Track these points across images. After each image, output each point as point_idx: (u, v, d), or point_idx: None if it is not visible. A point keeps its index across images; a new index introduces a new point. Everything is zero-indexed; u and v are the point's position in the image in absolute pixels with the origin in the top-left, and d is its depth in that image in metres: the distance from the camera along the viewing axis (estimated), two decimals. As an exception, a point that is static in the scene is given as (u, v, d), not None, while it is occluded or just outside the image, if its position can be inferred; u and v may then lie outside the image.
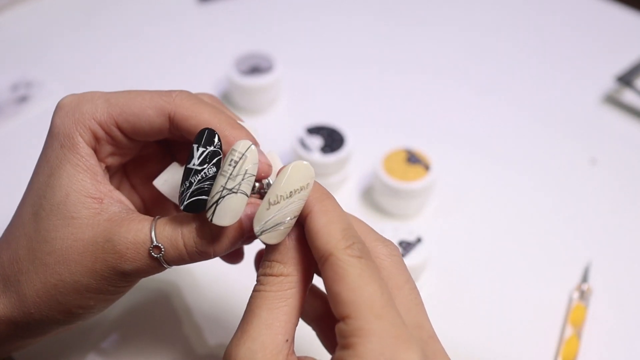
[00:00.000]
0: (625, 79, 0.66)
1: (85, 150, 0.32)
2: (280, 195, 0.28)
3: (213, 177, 0.30)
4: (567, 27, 0.77)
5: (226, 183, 0.29)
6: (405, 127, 0.63)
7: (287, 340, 0.28)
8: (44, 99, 0.64)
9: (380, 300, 0.26)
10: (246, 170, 0.29)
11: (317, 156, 0.53)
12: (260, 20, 0.76)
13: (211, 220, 0.29)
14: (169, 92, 0.33)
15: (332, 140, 0.54)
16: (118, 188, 0.37)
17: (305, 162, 0.29)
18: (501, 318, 0.47)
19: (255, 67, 0.62)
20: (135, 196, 0.38)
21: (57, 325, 0.33)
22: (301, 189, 0.29)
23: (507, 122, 0.64)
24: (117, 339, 0.44)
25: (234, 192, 0.29)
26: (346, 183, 0.56)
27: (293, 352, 0.28)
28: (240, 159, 0.29)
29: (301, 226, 0.30)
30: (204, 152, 0.30)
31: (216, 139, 0.30)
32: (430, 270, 0.50)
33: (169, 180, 0.35)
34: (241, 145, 0.29)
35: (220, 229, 0.31)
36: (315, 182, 0.30)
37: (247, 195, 0.29)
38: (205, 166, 0.30)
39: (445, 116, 0.65)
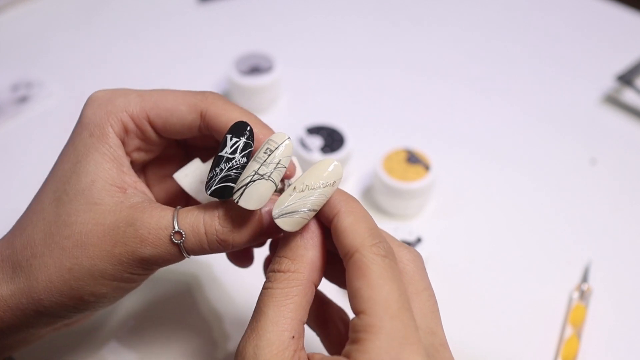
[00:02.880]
0: (625, 78, 0.66)
1: (114, 141, 0.33)
2: (307, 185, 0.29)
3: (243, 167, 0.31)
4: (567, 27, 0.77)
5: (259, 169, 0.30)
6: (405, 127, 0.63)
7: (293, 337, 0.28)
8: (44, 99, 0.64)
9: (397, 301, 0.27)
10: (279, 160, 0.30)
11: (317, 156, 0.53)
12: (260, 20, 0.76)
13: (237, 202, 0.30)
14: (202, 92, 0.35)
15: (332, 140, 0.54)
16: None
17: (336, 162, 0.30)
18: (501, 318, 0.47)
19: (255, 67, 0.62)
20: (150, 195, 0.38)
21: (65, 313, 0.33)
22: (327, 185, 0.30)
23: (507, 122, 0.64)
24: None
25: (264, 179, 0.30)
26: (346, 183, 0.56)
27: (302, 347, 0.29)
28: (276, 148, 0.30)
29: (317, 228, 0.31)
30: (237, 142, 0.31)
31: (249, 131, 0.31)
32: (430, 270, 0.49)
33: (189, 175, 0.35)
34: (279, 137, 0.30)
35: (242, 218, 0.31)
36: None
37: (275, 185, 0.30)
38: (236, 155, 0.31)
39: (445, 116, 0.65)
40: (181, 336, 0.44)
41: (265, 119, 0.62)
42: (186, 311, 0.46)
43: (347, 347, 0.27)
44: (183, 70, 0.69)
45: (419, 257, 0.32)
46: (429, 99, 0.67)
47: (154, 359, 0.43)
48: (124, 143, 0.34)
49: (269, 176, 0.30)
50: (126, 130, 0.34)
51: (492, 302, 0.48)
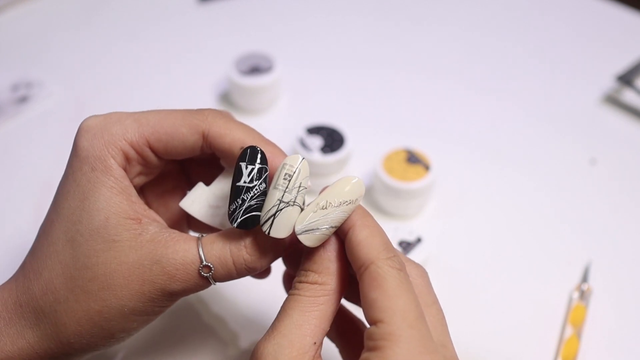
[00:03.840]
0: (625, 79, 0.66)
1: (118, 172, 0.32)
2: (330, 202, 0.30)
3: (263, 193, 0.31)
4: (567, 27, 0.77)
5: (283, 196, 0.30)
6: (405, 127, 0.63)
7: (314, 343, 0.29)
8: (44, 99, 0.64)
9: (415, 312, 0.27)
10: (300, 183, 0.30)
11: (317, 156, 0.53)
12: (260, 20, 0.76)
13: (268, 233, 0.30)
14: (200, 111, 0.34)
15: (332, 140, 0.54)
16: None
17: (359, 178, 0.30)
18: (501, 318, 0.47)
19: (255, 67, 0.62)
20: (161, 220, 0.38)
21: (95, 351, 0.33)
22: (349, 202, 0.30)
23: (507, 122, 0.64)
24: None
25: (290, 205, 0.30)
26: (346, 183, 0.56)
27: (320, 356, 0.29)
28: (294, 172, 0.30)
29: (337, 240, 0.31)
30: (252, 169, 0.31)
31: (262, 156, 0.31)
32: (430, 270, 0.49)
33: (196, 201, 0.35)
34: (294, 160, 0.30)
35: (268, 243, 0.32)
36: None
37: (301, 208, 0.30)
38: (255, 183, 0.31)
39: (445, 116, 0.65)
40: (188, 337, 0.44)
41: (265, 119, 0.63)
42: (193, 312, 0.46)
43: (365, 355, 0.27)
44: (183, 70, 0.69)
45: (425, 272, 0.32)
46: (428, 99, 0.67)
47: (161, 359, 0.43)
48: (126, 172, 0.33)
49: (294, 202, 0.30)
50: (128, 159, 0.33)
51: (492, 302, 0.48)
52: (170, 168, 0.38)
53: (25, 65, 0.68)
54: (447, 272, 0.50)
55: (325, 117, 0.58)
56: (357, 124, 0.59)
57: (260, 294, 0.47)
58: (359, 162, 0.57)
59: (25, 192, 0.55)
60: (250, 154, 0.31)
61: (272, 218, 0.30)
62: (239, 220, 0.30)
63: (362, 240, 0.29)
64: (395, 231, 0.48)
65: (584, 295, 0.48)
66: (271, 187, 0.30)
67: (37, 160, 0.58)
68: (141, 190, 0.37)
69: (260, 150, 0.31)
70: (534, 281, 0.50)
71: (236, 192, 0.31)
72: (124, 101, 0.64)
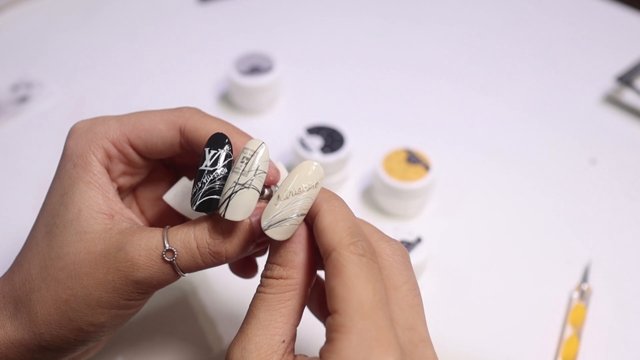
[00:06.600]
0: (625, 79, 0.66)
1: (97, 169, 0.33)
2: (290, 191, 0.29)
3: (224, 178, 0.31)
4: (567, 27, 0.77)
5: (238, 179, 0.30)
6: (405, 127, 0.63)
7: (283, 341, 0.28)
8: (44, 99, 0.64)
9: (371, 301, 0.27)
10: (258, 166, 0.30)
11: (317, 156, 0.53)
12: (260, 20, 0.76)
13: (224, 215, 0.30)
14: (178, 109, 0.35)
15: (332, 140, 0.54)
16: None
17: (316, 162, 0.30)
18: (501, 318, 0.47)
19: (255, 67, 0.62)
20: (143, 219, 0.38)
21: (67, 346, 0.33)
22: (310, 187, 0.29)
23: (507, 122, 0.64)
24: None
25: (246, 187, 0.30)
26: (346, 183, 0.56)
27: (292, 351, 0.29)
28: (252, 155, 0.30)
29: (304, 229, 0.30)
30: (215, 154, 0.31)
31: (226, 142, 0.31)
32: (430, 270, 0.50)
33: (178, 194, 0.35)
34: (253, 144, 0.30)
35: (232, 228, 0.31)
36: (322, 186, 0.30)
37: (258, 191, 0.30)
38: (217, 167, 0.31)
39: (445, 116, 0.65)
40: (174, 340, 0.44)
41: (265, 119, 0.63)
42: (179, 315, 0.46)
43: (322, 347, 0.27)
44: (183, 70, 0.69)
45: (399, 250, 0.30)
46: (429, 99, 0.67)
47: None
48: (108, 170, 0.34)
49: (250, 184, 0.30)
50: (109, 157, 0.34)
51: (492, 302, 0.48)
52: (162, 173, 0.39)
53: (25, 65, 0.68)
54: (447, 272, 0.50)
55: (325, 117, 0.58)
56: (357, 124, 0.59)
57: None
58: (359, 162, 0.57)
59: (25, 192, 0.55)
60: (215, 139, 0.31)
61: (228, 200, 0.30)
62: (197, 202, 0.31)
63: (326, 226, 0.29)
64: (395, 231, 0.48)
65: (584, 295, 0.48)
66: (230, 171, 0.30)
67: (37, 160, 0.58)
68: (135, 196, 0.38)
69: (225, 136, 0.31)
70: (534, 281, 0.50)
71: (198, 175, 0.31)
72: (124, 101, 0.64)
